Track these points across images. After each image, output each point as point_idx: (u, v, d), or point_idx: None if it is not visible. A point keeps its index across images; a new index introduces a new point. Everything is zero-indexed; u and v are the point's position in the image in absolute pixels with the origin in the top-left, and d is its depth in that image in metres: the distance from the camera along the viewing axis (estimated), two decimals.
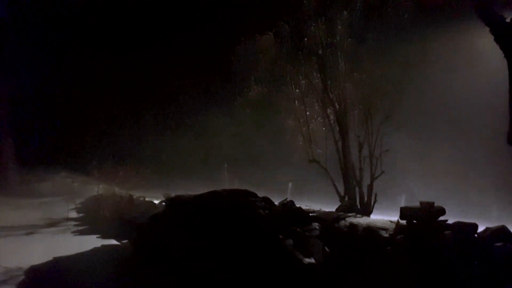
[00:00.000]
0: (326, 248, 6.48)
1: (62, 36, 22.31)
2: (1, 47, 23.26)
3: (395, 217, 6.48)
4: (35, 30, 23.05)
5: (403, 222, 6.20)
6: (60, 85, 21.81)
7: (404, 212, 6.13)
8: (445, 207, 5.98)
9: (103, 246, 10.28)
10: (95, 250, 9.83)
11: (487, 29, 5.22)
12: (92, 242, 10.66)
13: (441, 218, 5.94)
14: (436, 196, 6.68)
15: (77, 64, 22.07)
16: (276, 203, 7.82)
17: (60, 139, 22.33)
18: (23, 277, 7.48)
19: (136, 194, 14.36)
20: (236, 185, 11.58)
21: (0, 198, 19.96)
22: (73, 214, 15.33)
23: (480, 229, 5.67)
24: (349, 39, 9.29)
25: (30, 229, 12.41)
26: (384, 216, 7.51)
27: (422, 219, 5.92)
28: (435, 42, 9.02)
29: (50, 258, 8.77)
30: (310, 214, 7.58)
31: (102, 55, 21.38)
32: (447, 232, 5.70)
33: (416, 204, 6.06)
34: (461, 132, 11.19)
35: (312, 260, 6.31)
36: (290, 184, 12.58)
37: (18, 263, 8.21)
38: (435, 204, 5.96)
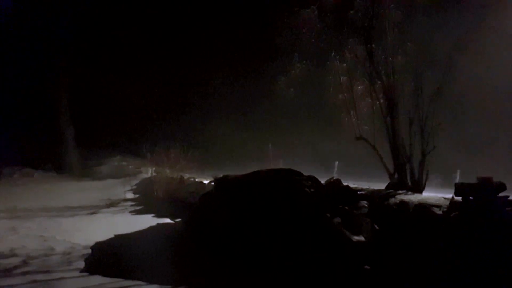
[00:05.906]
0: (375, 225, 6.37)
1: (115, 27, 23.26)
2: (61, 37, 24.78)
3: (449, 195, 6.19)
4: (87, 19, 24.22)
5: (458, 198, 5.91)
6: (115, 74, 22.87)
7: (460, 188, 5.80)
8: (505, 183, 5.60)
9: (159, 224, 10.87)
10: (152, 228, 10.45)
11: None
12: (148, 220, 11.31)
13: (502, 194, 5.58)
14: (495, 171, 6.24)
15: (129, 53, 22.98)
16: (323, 181, 7.77)
17: (116, 125, 23.64)
18: (89, 252, 8.16)
19: (186, 175, 14.89)
20: (281, 165, 11.61)
21: (66, 180, 21.73)
22: (130, 195, 16.28)
23: None
24: (397, 11, 8.77)
25: (93, 209, 13.38)
26: (436, 194, 7.19)
27: (479, 195, 5.60)
28: (493, 6, 8.25)
29: (111, 235, 9.46)
30: (358, 192, 7.46)
31: (149, 42, 22.06)
32: (508, 208, 5.35)
33: (473, 181, 5.72)
34: None
35: (361, 238, 6.25)
36: (336, 162, 12.38)
37: (84, 239, 8.95)
38: (494, 179, 5.61)
